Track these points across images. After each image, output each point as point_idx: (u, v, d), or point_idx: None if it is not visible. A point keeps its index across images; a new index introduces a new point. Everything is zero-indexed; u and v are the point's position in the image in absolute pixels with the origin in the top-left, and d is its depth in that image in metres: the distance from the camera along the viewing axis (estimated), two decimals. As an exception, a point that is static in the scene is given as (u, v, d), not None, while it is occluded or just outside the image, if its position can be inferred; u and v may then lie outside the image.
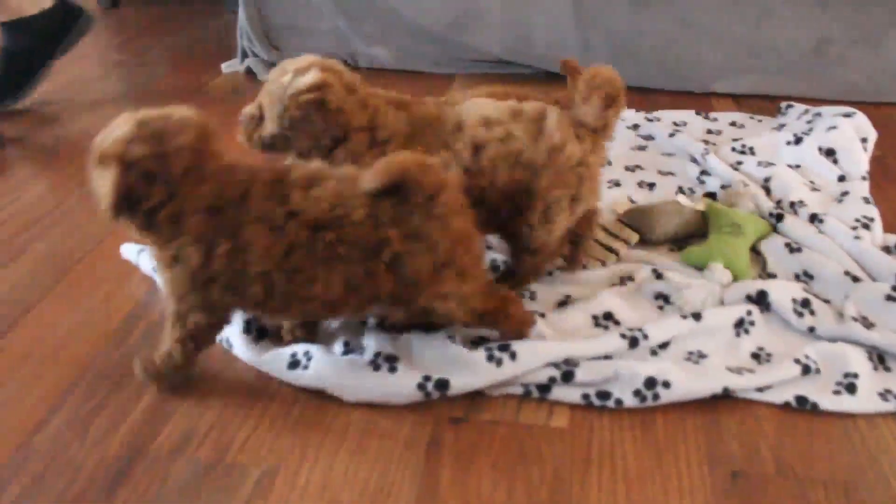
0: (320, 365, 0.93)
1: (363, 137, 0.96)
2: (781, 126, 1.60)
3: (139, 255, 1.15)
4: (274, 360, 0.96)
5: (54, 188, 1.45)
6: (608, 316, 1.03)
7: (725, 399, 0.93)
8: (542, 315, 1.02)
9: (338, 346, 0.97)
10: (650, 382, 0.90)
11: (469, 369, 0.91)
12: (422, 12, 1.85)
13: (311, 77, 0.94)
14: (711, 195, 1.31)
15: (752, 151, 1.46)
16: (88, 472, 0.86)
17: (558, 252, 1.09)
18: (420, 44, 1.90)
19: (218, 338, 1.00)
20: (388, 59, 1.93)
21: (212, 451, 0.87)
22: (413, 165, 0.82)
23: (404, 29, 1.89)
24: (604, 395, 0.91)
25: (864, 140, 1.46)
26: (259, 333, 1.00)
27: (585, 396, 0.91)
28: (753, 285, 1.05)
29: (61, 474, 0.85)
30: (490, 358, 0.91)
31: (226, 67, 1.99)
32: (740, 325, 1.01)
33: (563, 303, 1.07)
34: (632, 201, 1.31)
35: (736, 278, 1.09)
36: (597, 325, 1.02)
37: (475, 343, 0.97)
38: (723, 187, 1.32)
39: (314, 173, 0.86)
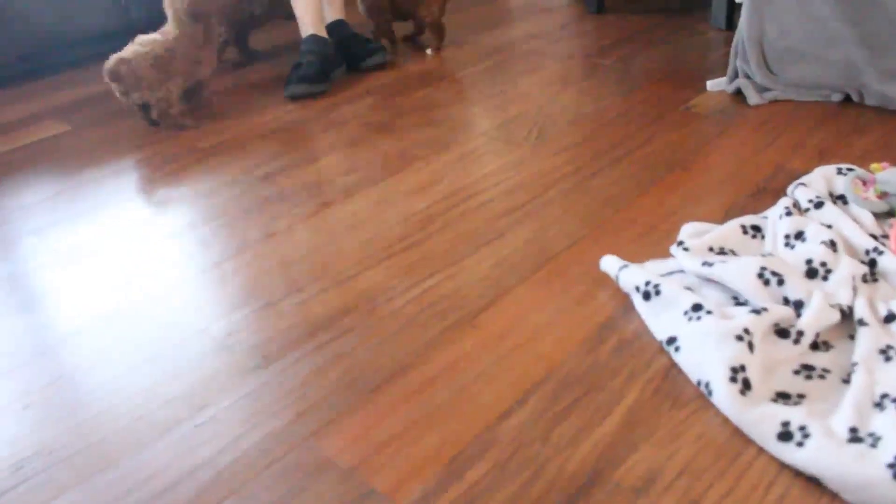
0: (820, 447, 0.79)
1: None
2: None
3: (621, 270, 1.10)
4: (760, 424, 0.84)
5: (535, 177, 1.49)
6: None
7: None
8: None
9: (841, 428, 0.82)
10: None
11: None
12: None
13: None
14: None
15: None
16: (549, 476, 0.83)
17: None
18: (951, 89, 1.61)
19: (695, 380, 0.92)
20: (904, 101, 1.67)
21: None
22: None
23: (934, 69, 1.61)
24: None
25: None
26: (745, 384, 0.89)
27: None
28: None
29: (522, 470, 0.84)
30: None
31: (711, 85, 1.89)
32: None
33: None
34: None
35: None
36: None
37: None
38: None
39: None
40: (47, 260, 1.37)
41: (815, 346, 0.96)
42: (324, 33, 2.15)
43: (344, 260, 1.28)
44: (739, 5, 1.87)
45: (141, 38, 1.89)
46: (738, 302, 1.05)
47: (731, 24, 2.31)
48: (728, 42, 1.98)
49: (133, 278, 1.29)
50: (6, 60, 2.55)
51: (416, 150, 1.69)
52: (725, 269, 1.06)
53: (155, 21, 2.70)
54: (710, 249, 1.15)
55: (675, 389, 0.93)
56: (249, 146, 1.79)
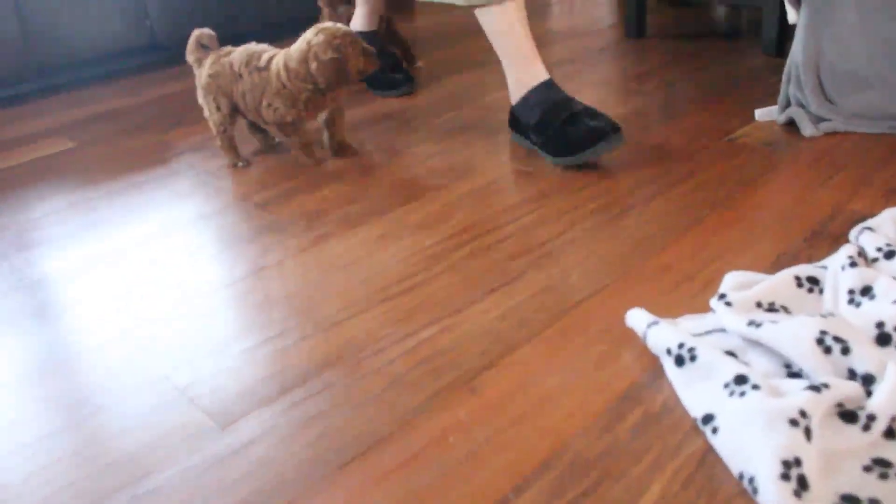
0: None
1: None
2: None
3: (650, 327, 0.93)
4: (822, 540, 0.66)
5: (559, 213, 1.32)
6: None
7: None
8: None
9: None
10: None
11: None
12: None
13: None
14: None
15: None
16: None
17: None
18: None
19: (737, 472, 0.74)
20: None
21: None
22: None
23: None
24: None
25: None
26: (800, 483, 0.70)
27: None
28: None
29: (513, 584, 0.67)
30: None
31: (760, 115, 1.71)
32: None
33: None
34: None
35: None
36: None
37: None
38: None
39: None
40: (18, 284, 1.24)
41: (890, 433, 0.78)
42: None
43: (334, 302, 1.12)
44: (793, 28, 1.69)
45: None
46: (792, 372, 0.87)
47: (783, 49, 2.13)
48: (779, 69, 1.80)
49: (105, 311, 1.15)
50: (25, 76, 2.48)
51: (431, 179, 1.53)
52: (777, 332, 0.87)
53: (180, 38, 2.62)
54: (758, 305, 0.97)
55: (711, 482, 0.75)
56: (255, 170, 1.66)
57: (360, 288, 1.15)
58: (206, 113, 1.67)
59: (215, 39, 1.67)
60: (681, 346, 0.89)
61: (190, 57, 1.66)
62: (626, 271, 1.13)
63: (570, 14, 2.90)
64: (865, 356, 0.83)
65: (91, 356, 1.05)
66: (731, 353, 0.89)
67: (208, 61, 1.63)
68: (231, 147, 1.68)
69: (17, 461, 0.87)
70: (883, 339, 0.87)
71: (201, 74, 1.65)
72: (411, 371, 0.95)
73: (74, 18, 2.49)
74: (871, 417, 0.78)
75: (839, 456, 0.75)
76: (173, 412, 0.92)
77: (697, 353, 0.87)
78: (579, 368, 0.92)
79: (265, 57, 1.59)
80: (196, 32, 1.66)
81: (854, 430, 0.77)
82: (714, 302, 0.98)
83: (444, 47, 2.64)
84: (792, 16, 1.69)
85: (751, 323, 0.91)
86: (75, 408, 0.95)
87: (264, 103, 1.58)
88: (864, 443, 0.76)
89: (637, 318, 0.96)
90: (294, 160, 1.67)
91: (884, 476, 0.73)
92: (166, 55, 2.68)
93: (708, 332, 0.95)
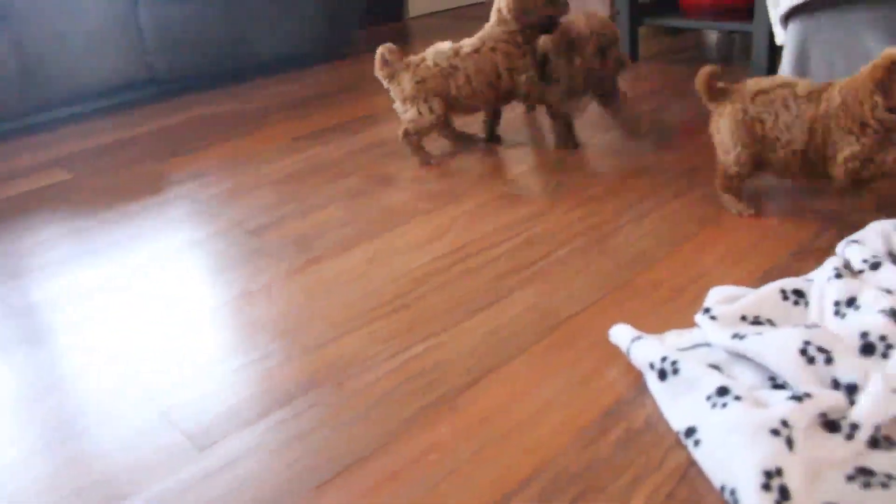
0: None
1: None
2: None
3: (633, 342, 0.92)
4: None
5: (549, 233, 1.32)
6: None
7: None
8: None
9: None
10: None
11: None
12: None
13: None
14: None
15: None
16: None
17: None
18: None
19: (718, 484, 0.73)
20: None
21: None
22: None
23: None
24: None
25: None
26: (782, 494, 0.69)
27: None
28: None
29: None
30: None
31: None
32: None
33: None
34: None
35: None
36: None
37: None
38: None
39: None
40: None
41: (874, 443, 0.77)
42: None
43: (321, 323, 1.12)
44: (781, 49, 1.70)
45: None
46: (776, 384, 0.86)
47: (773, 69, 2.14)
48: (770, 90, 1.80)
49: (94, 336, 1.15)
50: (25, 110, 2.51)
51: (423, 202, 1.54)
52: (761, 343, 0.87)
53: (178, 72, 2.65)
54: (743, 318, 0.96)
55: (692, 496, 0.74)
56: (248, 196, 1.67)
57: (348, 309, 1.15)
58: (413, 115, 1.70)
59: (397, 53, 1.70)
60: (664, 359, 0.88)
61: (380, 73, 1.71)
62: (616, 288, 1.12)
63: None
64: (849, 366, 0.83)
65: (78, 381, 1.05)
66: (715, 367, 0.88)
67: (404, 71, 1.68)
68: (421, 147, 1.74)
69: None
70: (867, 349, 0.87)
71: (402, 86, 1.69)
72: (396, 389, 0.95)
73: (74, 54, 2.52)
74: (855, 427, 0.77)
75: (822, 466, 0.74)
76: (153, 435, 0.92)
77: (680, 366, 0.86)
78: (564, 385, 0.92)
79: (467, 44, 1.70)
80: (381, 49, 1.70)
81: (837, 440, 0.76)
82: (699, 317, 0.98)
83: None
84: (780, 37, 1.71)
85: (735, 336, 0.90)
86: (59, 430, 0.94)
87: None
88: (847, 452, 0.75)
89: (621, 334, 0.95)
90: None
91: (867, 485, 0.72)
92: (164, 88, 2.71)
93: (693, 347, 0.94)
